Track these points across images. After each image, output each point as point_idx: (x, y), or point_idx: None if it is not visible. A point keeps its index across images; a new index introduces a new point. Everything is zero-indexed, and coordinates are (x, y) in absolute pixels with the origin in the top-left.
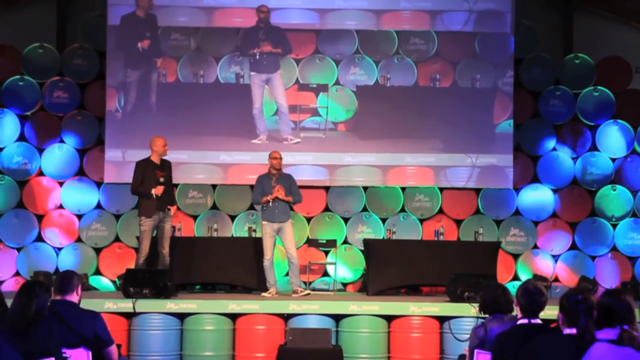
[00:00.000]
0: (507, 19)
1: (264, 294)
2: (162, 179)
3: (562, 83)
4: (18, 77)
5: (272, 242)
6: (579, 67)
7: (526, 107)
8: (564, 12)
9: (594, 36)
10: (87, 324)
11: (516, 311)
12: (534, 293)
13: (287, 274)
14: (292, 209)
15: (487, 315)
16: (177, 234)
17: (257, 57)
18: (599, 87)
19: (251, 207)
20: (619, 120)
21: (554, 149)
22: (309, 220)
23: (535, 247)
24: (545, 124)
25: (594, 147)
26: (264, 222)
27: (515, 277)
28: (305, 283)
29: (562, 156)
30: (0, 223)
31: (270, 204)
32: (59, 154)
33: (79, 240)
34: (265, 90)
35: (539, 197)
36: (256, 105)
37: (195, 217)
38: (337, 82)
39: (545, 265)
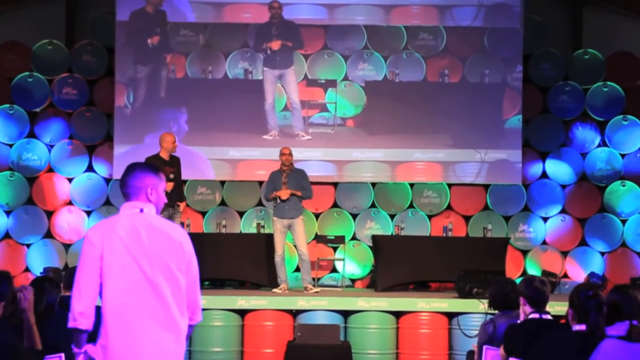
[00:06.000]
0: (516, 13)
1: (274, 289)
2: (171, 175)
3: (571, 78)
4: (27, 73)
5: (283, 238)
6: (588, 62)
7: (535, 102)
8: (573, 7)
9: (603, 31)
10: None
11: (522, 309)
12: (534, 281)
13: (296, 270)
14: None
15: (496, 312)
16: (186, 230)
17: (270, 52)
18: (608, 83)
19: (260, 204)
20: (629, 116)
21: (563, 144)
22: (317, 216)
23: (544, 243)
24: (554, 120)
25: (603, 143)
26: (274, 218)
27: (524, 273)
28: (313, 279)
29: (571, 152)
30: (10, 219)
31: (279, 200)
32: (67, 150)
33: None
34: (277, 86)
35: (548, 193)
36: (268, 100)
37: (203, 214)
38: (345, 78)
39: (554, 261)
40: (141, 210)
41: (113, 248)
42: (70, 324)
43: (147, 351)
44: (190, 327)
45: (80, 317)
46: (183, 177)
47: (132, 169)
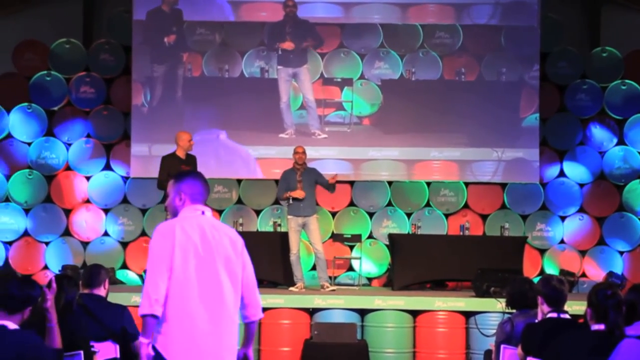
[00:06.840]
0: (533, 11)
1: (291, 288)
2: None
3: (589, 77)
4: (45, 72)
5: (298, 236)
6: (606, 60)
7: (553, 101)
8: (590, 4)
9: (621, 29)
10: (115, 317)
11: (540, 308)
12: (552, 280)
13: (312, 268)
14: (317, 204)
15: (513, 310)
16: None
17: (280, 51)
18: (626, 81)
19: (276, 202)
20: None
21: (581, 143)
22: (333, 214)
23: (562, 242)
24: (572, 118)
25: (621, 141)
26: (289, 217)
27: (542, 273)
28: (330, 278)
29: (589, 150)
30: (29, 217)
31: (290, 200)
32: (85, 149)
33: (105, 234)
34: (292, 85)
35: (565, 191)
36: (283, 99)
37: (220, 212)
38: (361, 76)
39: (572, 260)
40: (202, 213)
41: (184, 244)
42: (147, 311)
43: (207, 342)
44: (254, 323)
45: (156, 304)
46: (230, 176)
47: (199, 177)
